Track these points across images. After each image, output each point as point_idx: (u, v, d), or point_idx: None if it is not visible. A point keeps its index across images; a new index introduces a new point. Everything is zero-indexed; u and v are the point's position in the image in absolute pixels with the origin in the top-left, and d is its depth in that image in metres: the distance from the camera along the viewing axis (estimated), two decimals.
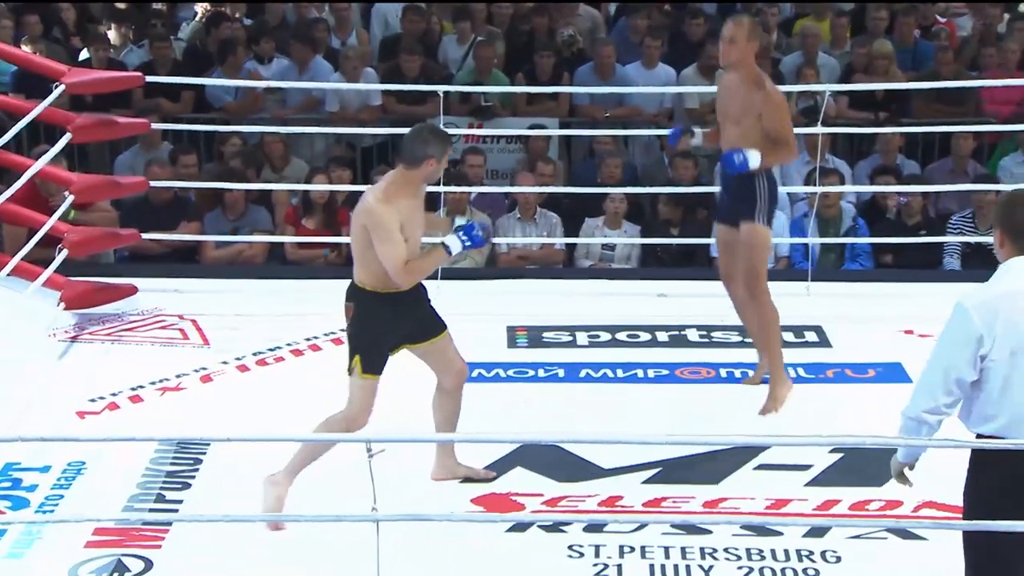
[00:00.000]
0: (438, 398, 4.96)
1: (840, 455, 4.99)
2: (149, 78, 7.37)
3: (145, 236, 7.17)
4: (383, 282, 4.61)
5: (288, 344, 6.26)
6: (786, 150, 5.35)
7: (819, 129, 7.25)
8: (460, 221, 4.86)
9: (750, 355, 6.07)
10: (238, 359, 6.09)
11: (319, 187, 7.80)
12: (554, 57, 9.13)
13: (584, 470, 4.99)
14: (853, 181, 8.42)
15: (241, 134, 8.50)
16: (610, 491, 4.85)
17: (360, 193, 7.94)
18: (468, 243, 4.66)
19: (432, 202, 7.80)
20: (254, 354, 6.15)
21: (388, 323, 4.68)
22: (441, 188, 7.47)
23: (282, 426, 5.26)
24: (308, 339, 6.32)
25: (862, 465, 4.91)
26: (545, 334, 6.39)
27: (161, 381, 5.84)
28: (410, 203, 4.61)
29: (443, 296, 6.83)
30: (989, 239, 7.54)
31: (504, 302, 6.80)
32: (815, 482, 4.88)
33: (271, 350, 6.20)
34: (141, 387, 5.79)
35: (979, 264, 7.65)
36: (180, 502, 4.82)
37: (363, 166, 8.92)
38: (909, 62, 9.28)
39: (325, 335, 6.36)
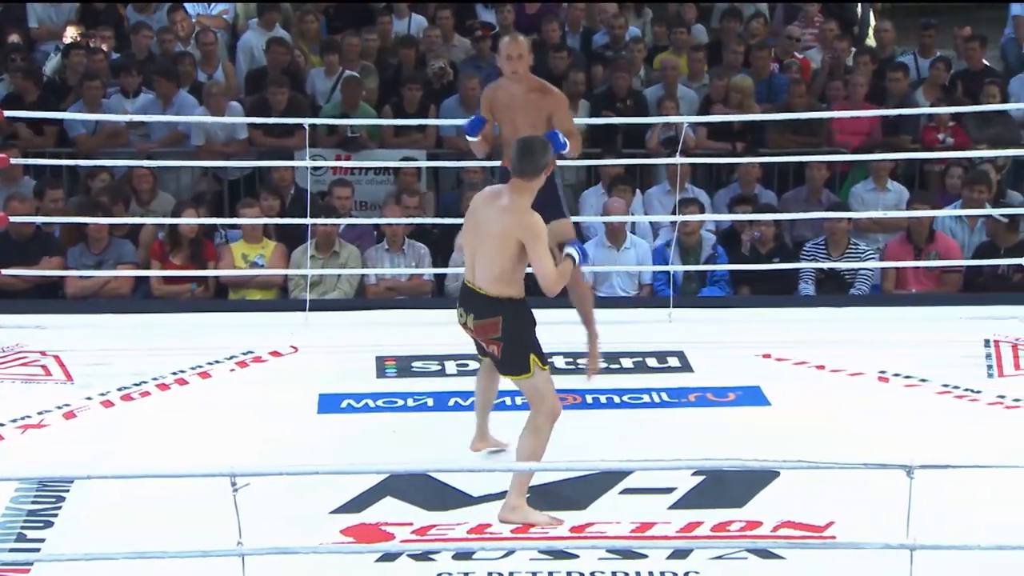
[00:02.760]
0: (488, 376, 5.16)
1: (702, 478, 5.04)
2: (8, 112, 7.18)
3: (4, 272, 6.98)
4: (521, 290, 4.81)
5: (154, 378, 6.13)
6: (574, 144, 5.55)
7: (679, 160, 7.36)
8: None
9: (615, 381, 6.13)
10: (102, 395, 5.94)
11: (187, 221, 7.68)
12: (421, 89, 9.14)
13: (453, 498, 4.96)
14: (712, 210, 8.57)
15: (108, 168, 8.33)
16: (479, 519, 4.84)
17: (230, 226, 8.12)
18: (582, 258, 4.91)
19: (301, 234, 7.76)
20: (119, 389, 6.00)
21: (534, 323, 4.86)
22: (308, 220, 7.42)
23: (147, 462, 5.14)
24: (174, 373, 6.20)
25: (723, 487, 4.98)
26: (414, 363, 6.37)
27: (23, 419, 5.67)
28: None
29: (312, 327, 6.85)
30: (841, 265, 7.80)
31: (373, 332, 6.77)
32: (678, 505, 4.92)
33: (136, 385, 6.06)
34: (1, 425, 5.61)
35: (832, 289, 7.85)
36: (42, 541, 4.68)
37: (230, 199, 8.81)
38: (765, 94, 9.49)
39: (192, 369, 6.25)
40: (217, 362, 6.36)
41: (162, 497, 4.77)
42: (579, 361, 6.35)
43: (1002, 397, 5.88)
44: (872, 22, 10.88)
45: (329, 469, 4.78)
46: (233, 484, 3.87)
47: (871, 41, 10.62)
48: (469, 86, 9.09)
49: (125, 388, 6.03)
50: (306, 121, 7.40)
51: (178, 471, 4.61)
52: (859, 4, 10.87)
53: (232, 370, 6.32)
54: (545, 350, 6.31)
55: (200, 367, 6.27)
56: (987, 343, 6.55)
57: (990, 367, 6.27)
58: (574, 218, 8.09)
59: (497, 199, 4.82)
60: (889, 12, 12.21)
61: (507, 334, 4.79)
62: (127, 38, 9.86)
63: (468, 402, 5.86)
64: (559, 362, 6.27)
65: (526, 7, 10.45)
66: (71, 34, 9.82)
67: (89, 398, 5.91)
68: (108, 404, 5.88)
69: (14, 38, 9.82)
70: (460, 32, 10.17)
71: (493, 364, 5.01)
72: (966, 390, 5.98)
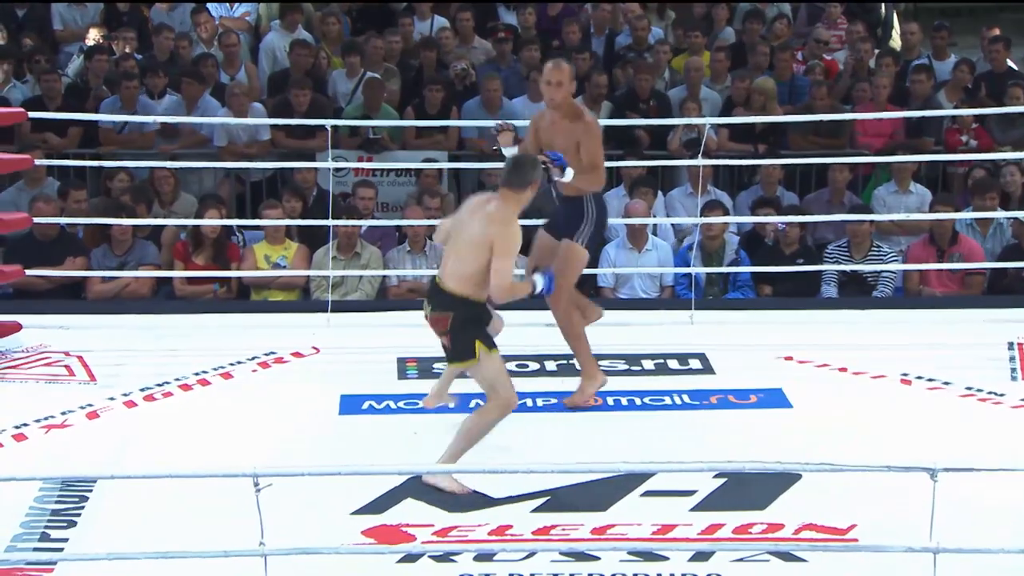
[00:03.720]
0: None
1: (724, 480, 5.04)
2: (33, 114, 7.22)
3: (29, 272, 7.02)
4: (481, 293, 5.02)
5: (176, 379, 6.15)
6: (593, 176, 5.71)
7: (700, 161, 7.35)
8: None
9: (637, 383, 6.13)
10: (125, 395, 5.97)
11: (210, 222, 7.71)
12: (443, 91, 9.15)
13: (474, 499, 4.98)
14: (735, 212, 8.56)
15: (128, 169, 8.37)
16: (500, 520, 4.85)
17: (253, 227, 8.13)
18: (546, 289, 5.22)
19: (323, 235, 7.78)
20: (141, 390, 6.03)
21: (485, 322, 5.13)
22: (331, 221, 7.44)
23: (170, 462, 5.16)
24: (197, 374, 6.23)
25: (745, 489, 4.97)
26: (435, 365, 6.35)
27: (46, 419, 5.70)
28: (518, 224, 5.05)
29: (333, 328, 6.87)
30: (864, 267, 7.78)
31: (395, 334, 6.76)
32: (700, 507, 4.92)
33: (159, 385, 6.09)
34: (25, 425, 5.64)
35: (855, 291, 7.83)
36: (66, 540, 4.71)
37: (252, 200, 8.84)
38: (786, 96, 9.47)
39: (214, 370, 6.27)
40: (239, 363, 6.38)
41: (184, 497, 4.80)
42: (600, 363, 6.35)
43: None
44: (896, 24, 10.84)
45: (351, 470, 4.79)
46: (255, 484, 3.89)
47: (895, 43, 10.58)
48: (491, 87, 9.10)
49: (148, 388, 6.05)
50: (328, 122, 7.41)
51: (200, 471, 4.63)
52: (883, 6, 10.83)
53: (254, 371, 6.34)
54: (567, 351, 6.39)
55: (222, 368, 6.29)
56: (1011, 346, 6.52)
57: (1014, 370, 6.25)
58: None
59: (485, 205, 5.07)
60: (912, 14, 12.18)
61: (455, 327, 5.04)
62: (150, 40, 9.90)
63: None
64: (551, 366, 6.25)
65: (548, 8, 10.46)
66: (94, 36, 9.87)
67: (112, 398, 5.94)
68: (131, 404, 5.91)
69: (29, 40, 9.85)
70: (481, 34, 10.18)
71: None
72: (989, 393, 5.96)
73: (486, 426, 5.06)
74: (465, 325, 5.05)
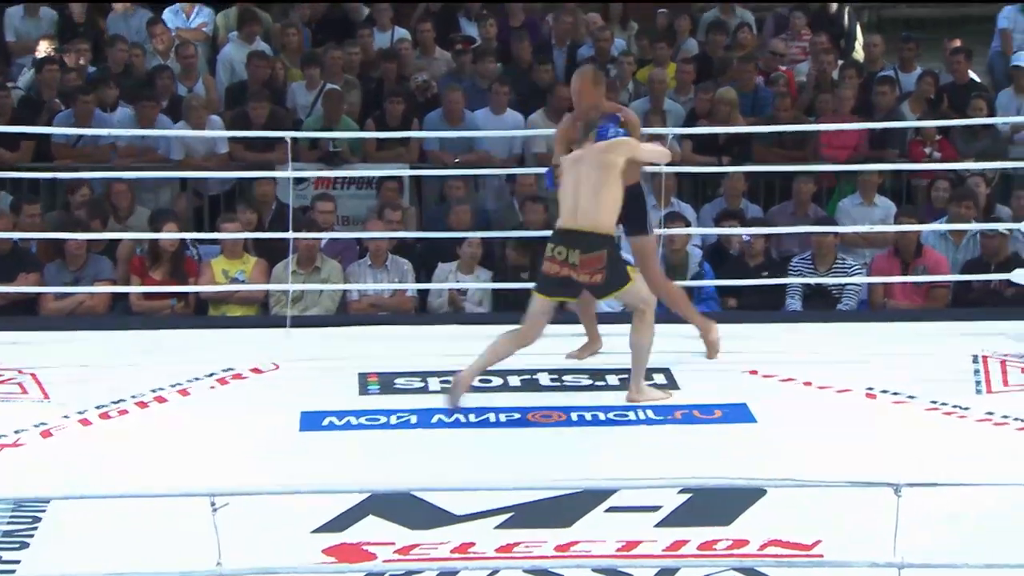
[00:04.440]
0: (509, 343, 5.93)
1: (688, 495, 5.05)
2: None
3: None
4: (613, 224, 5.71)
5: (133, 397, 6.09)
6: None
7: (664, 168, 7.37)
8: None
9: (601, 398, 6.14)
10: (80, 413, 5.91)
11: (168, 236, 7.68)
12: (404, 103, 9.16)
13: (436, 517, 4.95)
14: (699, 225, 8.60)
15: (88, 183, 8.33)
16: (463, 537, 4.83)
17: (211, 241, 8.11)
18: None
19: (282, 249, 7.76)
20: (97, 407, 5.97)
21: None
22: (291, 234, 7.42)
23: (125, 481, 5.12)
24: (154, 391, 6.18)
25: (710, 505, 4.98)
26: (397, 380, 6.37)
27: None
28: None
29: (293, 344, 6.85)
30: (829, 280, 7.83)
31: (355, 348, 6.76)
32: (665, 523, 4.92)
33: (115, 403, 6.03)
34: None
35: (819, 304, 7.89)
36: (18, 562, 4.66)
37: (210, 214, 8.81)
38: (750, 107, 9.54)
39: (171, 386, 6.23)
40: (197, 379, 6.34)
41: (141, 517, 4.76)
42: (564, 378, 6.38)
43: (990, 414, 5.90)
44: (859, 36, 10.94)
45: (311, 488, 4.77)
46: (213, 504, 3.87)
47: (859, 55, 10.68)
48: (453, 99, 9.11)
49: (103, 406, 6.00)
50: (287, 134, 7.41)
51: (157, 491, 4.60)
52: (846, 18, 10.92)
53: (212, 387, 6.30)
54: (528, 367, 6.41)
55: (179, 384, 6.25)
56: (975, 359, 6.56)
57: (978, 383, 6.30)
58: None
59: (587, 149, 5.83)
60: (876, 25, 12.29)
61: (610, 262, 5.69)
62: (104, 52, 9.84)
63: (452, 418, 5.87)
64: (544, 379, 6.28)
65: (510, 20, 10.49)
66: (44, 48, 9.81)
67: (66, 416, 5.88)
68: (86, 422, 5.86)
69: None
70: (442, 45, 10.19)
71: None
72: (954, 407, 5.99)
73: (651, 335, 5.82)
74: (614, 257, 5.66)
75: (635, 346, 5.83)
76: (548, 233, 7.93)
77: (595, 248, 5.63)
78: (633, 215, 5.98)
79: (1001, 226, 7.91)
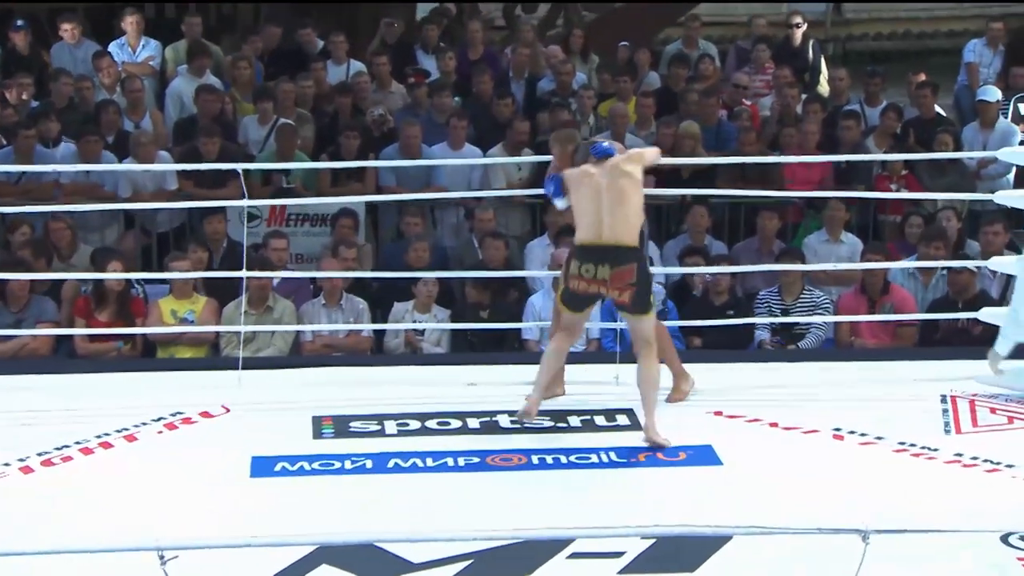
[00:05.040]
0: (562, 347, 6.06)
1: (652, 541, 5.05)
2: None
3: None
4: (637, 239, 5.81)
5: (77, 443, 6.06)
6: (655, 153, 6.37)
7: None
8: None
9: (562, 440, 6.15)
10: (21, 460, 5.86)
11: (114, 276, 7.65)
12: (359, 138, 9.18)
13: (393, 566, 4.92)
14: (662, 262, 8.66)
15: (29, 222, 8.28)
16: None
17: (156, 281, 8.08)
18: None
19: (233, 288, 7.74)
20: (39, 454, 5.93)
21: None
22: (243, 273, 7.40)
23: (69, 533, 5.08)
24: (99, 436, 6.14)
25: (674, 551, 4.98)
26: (352, 423, 6.35)
27: None
28: None
29: (245, 386, 6.82)
30: (795, 319, 7.89)
31: (309, 391, 6.75)
32: (628, 569, 4.92)
33: (58, 449, 5.98)
34: None
35: (786, 337, 7.95)
36: None
37: (159, 252, 8.78)
38: (713, 142, 9.62)
39: (117, 432, 6.19)
40: (144, 424, 6.31)
41: (85, 571, 4.71)
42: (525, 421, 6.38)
43: (959, 455, 5.94)
44: (824, 69, 11.07)
45: (262, 540, 4.74)
46: (161, 558, 3.84)
47: (823, 88, 10.80)
48: (410, 134, 9.14)
49: (46, 453, 5.95)
50: (239, 166, 7.41)
51: (102, 544, 4.55)
52: (810, 51, 11.05)
53: (160, 432, 6.27)
54: (489, 408, 6.42)
55: (126, 430, 6.22)
56: (944, 399, 6.63)
57: (947, 424, 6.35)
58: (521, 272, 8.26)
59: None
60: (841, 59, 12.45)
61: (641, 277, 5.83)
62: (48, 86, 9.80)
63: (409, 463, 5.87)
64: (504, 421, 6.29)
65: (469, 52, 10.54)
66: None
67: (7, 464, 5.83)
68: (27, 470, 5.81)
69: None
70: (399, 79, 10.23)
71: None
72: (923, 447, 6.04)
73: (657, 372, 5.88)
74: (645, 274, 5.80)
75: (648, 382, 5.92)
76: (509, 272, 8.06)
77: (625, 261, 5.80)
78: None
79: (969, 263, 8.00)
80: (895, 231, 9.02)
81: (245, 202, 7.51)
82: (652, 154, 6.29)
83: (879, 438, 6.14)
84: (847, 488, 5.60)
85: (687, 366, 6.85)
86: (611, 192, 5.85)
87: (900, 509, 5.26)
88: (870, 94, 10.21)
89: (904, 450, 6.04)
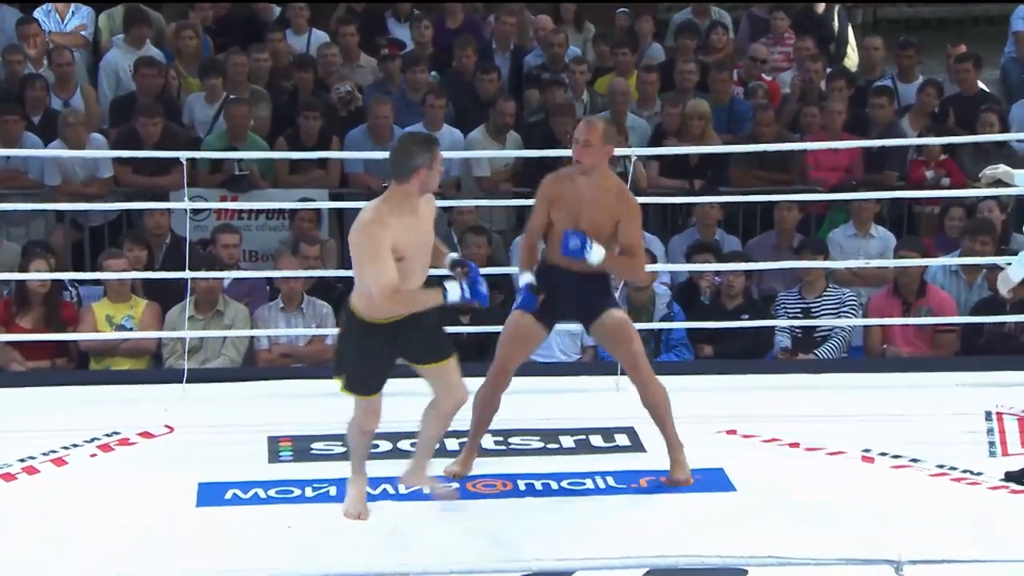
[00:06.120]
0: (431, 414, 5.63)
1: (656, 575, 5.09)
2: None
3: None
4: (374, 311, 5.27)
5: None
6: (632, 264, 5.87)
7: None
8: (454, 256, 5.52)
9: (554, 463, 6.16)
10: None
11: (37, 276, 7.64)
12: (322, 118, 9.18)
13: None
14: (667, 259, 8.67)
15: None
16: None
17: (89, 282, 8.07)
18: (469, 297, 5.30)
19: (178, 290, 7.73)
20: None
21: (377, 350, 5.39)
22: (187, 274, 7.41)
23: None
24: (22, 460, 6.14)
25: None
26: (314, 445, 6.37)
27: None
28: (407, 222, 5.25)
29: (191, 402, 6.83)
30: (817, 322, 7.90)
31: (264, 408, 6.76)
32: None
33: None
34: None
35: (809, 344, 7.96)
36: None
37: (92, 248, 8.77)
38: (725, 123, 9.63)
39: (44, 455, 6.19)
40: (75, 446, 6.31)
41: None
42: (510, 440, 6.39)
43: (1007, 481, 5.97)
44: (851, 40, 11.08)
45: None
46: None
47: (851, 61, 10.81)
48: (380, 114, 9.15)
49: None
50: (183, 155, 7.40)
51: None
52: (836, 18, 11.07)
53: (93, 455, 6.27)
54: (468, 428, 6.39)
55: (54, 452, 6.21)
56: (988, 415, 6.66)
57: (992, 444, 6.38)
58: (508, 269, 8.27)
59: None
60: (872, 27, 12.47)
61: (339, 338, 5.56)
62: None
63: (378, 490, 5.88)
64: (487, 441, 6.29)
65: (447, 21, 10.56)
66: None
67: None
68: None
69: None
70: (367, 51, 10.24)
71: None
72: (964, 471, 6.06)
73: (443, 428, 5.62)
74: (342, 346, 5.48)
75: (426, 436, 5.67)
76: (492, 270, 8.06)
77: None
78: (600, 294, 5.84)
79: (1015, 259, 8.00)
80: (933, 224, 9.04)
81: (186, 204, 7.51)
82: (361, 258, 5.37)
83: (914, 460, 6.17)
84: (878, 516, 5.62)
85: (694, 378, 6.86)
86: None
87: (937, 540, 5.28)
88: (904, 68, 10.24)
89: (943, 474, 6.06)
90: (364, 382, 5.46)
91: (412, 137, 5.46)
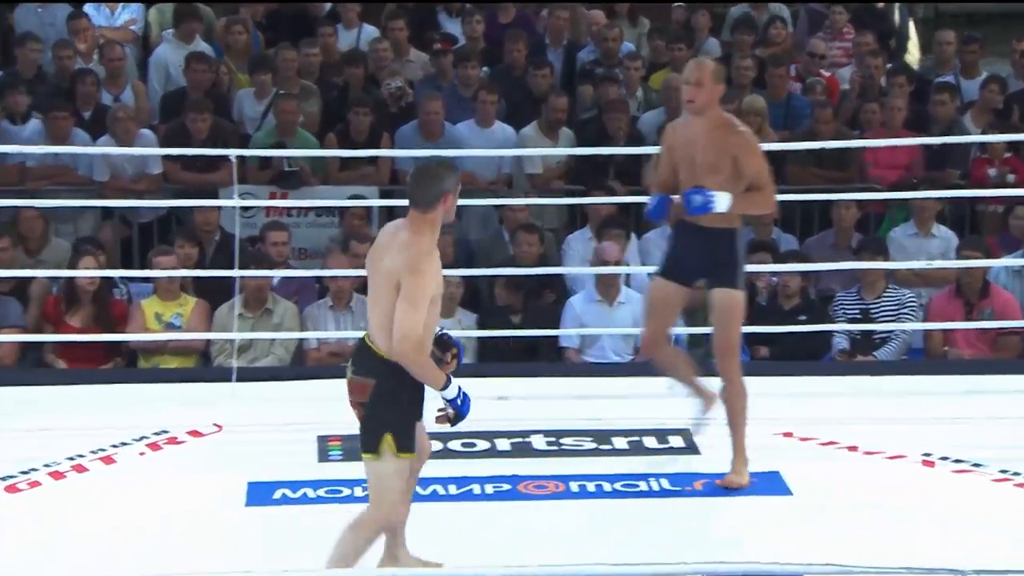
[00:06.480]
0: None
1: None
2: None
3: None
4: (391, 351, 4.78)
5: (46, 465, 6.10)
6: (762, 197, 5.85)
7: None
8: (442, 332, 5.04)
9: (606, 464, 6.15)
10: None
11: (86, 273, 7.69)
12: (372, 114, 9.20)
13: None
14: None
15: None
16: None
17: (139, 279, 8.12)
18: (461, 404, 4.89)
19: (226, 288, 7.77)
20: (3, 479, 5.97)
21: (416, 393, 4.87)
22: (236, 272, 7.44)
23: (36, 570, 5.12)
24: (71, 458, 6.18)
25: None
26: None
27: None
28: (437, 257, 4.89)
29: (240, 401, 6.86)
30: (877, 327, 7.85)
31: (314, 407, 6.76)
32: None
33: (24, 473, 6.03)
34: None
35: (866, 344, 7.92)
36: None
37: (141, 244, 8.83)
38: (782, 120, 9.59)
39: (93, 453, 6.24)
40: (124, 444, 6.35)
41: None
42: (563, 441, 6.38)
43: None
44: (913, 34, 11.00)
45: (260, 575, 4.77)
46: None
47: (912, 57, 10.74)
48: (431, 110, 9.15)
49: (10, 477, 6.00)
50: (233, 152, 7.43)
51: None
52: (897, 13, 10.99)
53: (142, 453, 6.31)
54: (522, 427, 6.38)
55: (102, 451, 6.25)
56: None
57: None
58: (559, 269, 8.26)
59: (396, 234, 4.92)
60: (933, 23, 12.36)
61: (372, 401, 4.85)
62: (13, 53, 9.85)
63: (429, 490, 5.88)
64: (538, 442, 6.29)
65: (499, 16, 10.55)
66: None
67: None
68: None
69: None
70: (418, 46, 10.25)
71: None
72: None
73: (362, 545, 4.94)
74: (383, 402, 4.83)
75: (336, 546, 4.95)
76: (543, 270, 8.05)
77: (366, 372, 4.88)
78: (725, 261, 5.85)
79: None
80: (996, 223, 8.96)
81: (236, 202, 7.53)
82: (409, 294, 4.78)
83: (976, 465, 6.12)
84: (939, 523, 5.58)
85: (750, 380, 6.81)
86: (377, 278, 4.91)
87: (1001, 548, 5.24)
88: (967, 64, 10.16)
89: (1006, 479, 6.01)
90: (408, 434, 4.88)
91: (434, 162, 5.24)
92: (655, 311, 6.03)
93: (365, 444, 4.88)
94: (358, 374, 4.89)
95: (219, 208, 8.46)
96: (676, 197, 5.89)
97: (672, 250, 5.99)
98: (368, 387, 4.85)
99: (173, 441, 6.44)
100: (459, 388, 4.88)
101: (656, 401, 6.80)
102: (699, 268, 5.88)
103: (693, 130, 5.81)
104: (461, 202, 8.73)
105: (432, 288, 4.82)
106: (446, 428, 4.99)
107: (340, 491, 5.92)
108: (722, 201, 5.68)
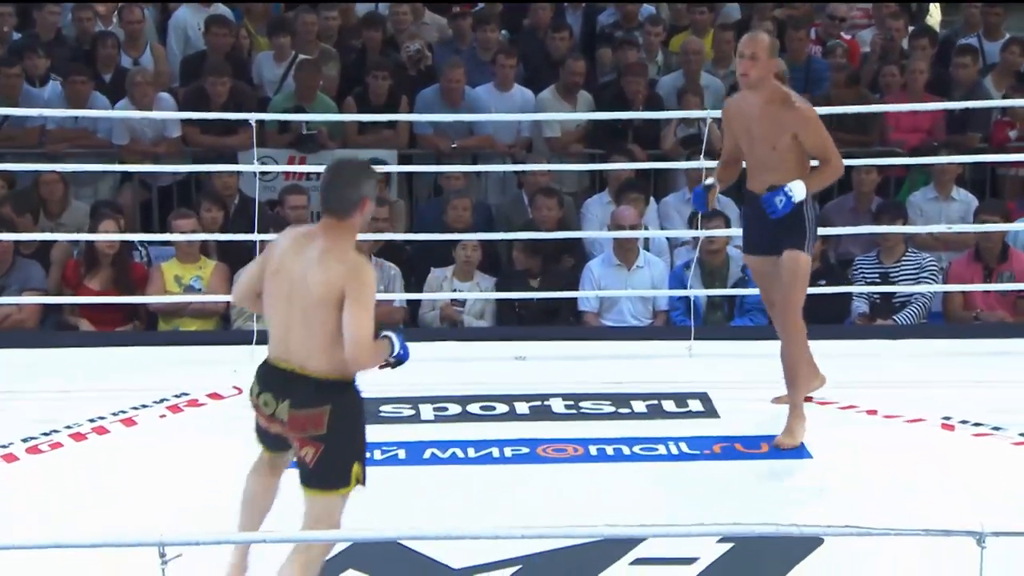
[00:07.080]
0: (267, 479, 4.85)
1: (731, 545, 5.06)
2: None
3: None
4: (337, 365, 4.38)
5: (67, 427, 6.13)
6: (830, 169, 5.89)
7: (702, 163, 7.40)
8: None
9: (625, 428, 6.15)
10: (4, 447, 5.93)
11: (106, 237, 7.69)
12: (391, 78, 9.17)
13: (429, 571, 4.97)
14: (741, 223, 8.59)
15: (7, 173, 8.33)
16: None
17: (159, 242, 8.14)
18: (401, 351, 4.53)
19: (246, 251, 7.77)
20: (24, 440, 6.00)
21: (363, 415, 4.52)
22: (256, 235, 7.44)
23: (58, 528, 5.14)
24: (92, 420, 6.21)
25: (756, 557, 4.99)
26: (382, 408, 6.39)
27: None
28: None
29: (257, 363, 6.85)
30: (896, 288, 7.83)
31: None
32: None
33: (46, 435, 6.05)
34: None
35: (887, 310, 7.90)
36: None
37: (160, 208, 8.83)
38: (802, 83, 9.54)
39: (113, 415, 6.26)
40: (144, 406, 6.38)
41: (77, 570, 4.77)
42: (581, 404, 6.39)
43: None
44: None
45: (277, 537, 4.77)
46: (162, 555, 3.88)
47: (933, 19, 10.68)
48: (453, 77, 9.10)
49: (32, 439, 6.02)
50: (252, 116, 7.42)
51: (95, 539, 4.60)
52: None
53: (162, 416, 6.33)
54: (540, 390, 6.40)
55: (123, 413, 6.28)
56: None
57: None
58: (579, 234, 8.24)
59: (307, 247, 4.44)
60: None
61: (332, 433, 4.40)
62: (32, 16, 9.85)
63: (447, 453, 5.89)
64: (557, 405, 6.29)
65: None
66: None
67: None
68: (11, 458, 5.87)
69: None
70: (437, 10, 10.21)
71: (279, 467, 4.75)
72: None
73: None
74: (346, 427, 4.41)
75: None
76: (563, 234, 8.04)
77: (308, 401, 4.42)
78: (796, 228, 5.86)
79: None
80: (1017, 187, 8.92)
81: (256, 167, 7.50)
82: (358, 300, 4.35)
83: (996, 429, 6.11)
84: (958, 486, 5.57)
85: (769, 343, 6.82)
86: (306, 292, 4.41)
87: (1020, 510, 5.23)
88: (990, 26, 10.09)
89: None
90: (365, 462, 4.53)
91: (351, 163, 4.63)
92: (759, 285, 6.19)
93: (328, 480, 4.44)
94: (301, 407, 4.39)
95: (238, 172, 8.46)
96: (710, 180, 6.00)
97: (746, 227, 6.11)
98: (322, 416, 4.39)
99: (193, 403, 6.46)
100: (398, 339, 4.50)
101: (676, 364, 6.82)
102: (773, 237, 5.91)
103: (749, 103, 5.85)
104: (480, 167, 8.86)
105: (374, 289, 4.43)
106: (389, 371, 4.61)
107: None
108: (798, 191, 5.71)
